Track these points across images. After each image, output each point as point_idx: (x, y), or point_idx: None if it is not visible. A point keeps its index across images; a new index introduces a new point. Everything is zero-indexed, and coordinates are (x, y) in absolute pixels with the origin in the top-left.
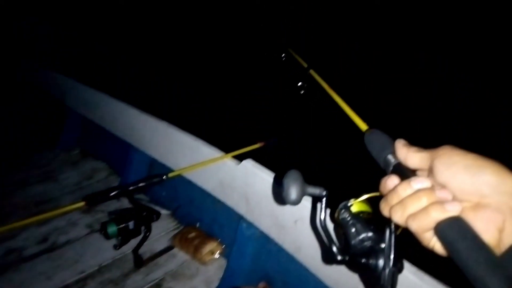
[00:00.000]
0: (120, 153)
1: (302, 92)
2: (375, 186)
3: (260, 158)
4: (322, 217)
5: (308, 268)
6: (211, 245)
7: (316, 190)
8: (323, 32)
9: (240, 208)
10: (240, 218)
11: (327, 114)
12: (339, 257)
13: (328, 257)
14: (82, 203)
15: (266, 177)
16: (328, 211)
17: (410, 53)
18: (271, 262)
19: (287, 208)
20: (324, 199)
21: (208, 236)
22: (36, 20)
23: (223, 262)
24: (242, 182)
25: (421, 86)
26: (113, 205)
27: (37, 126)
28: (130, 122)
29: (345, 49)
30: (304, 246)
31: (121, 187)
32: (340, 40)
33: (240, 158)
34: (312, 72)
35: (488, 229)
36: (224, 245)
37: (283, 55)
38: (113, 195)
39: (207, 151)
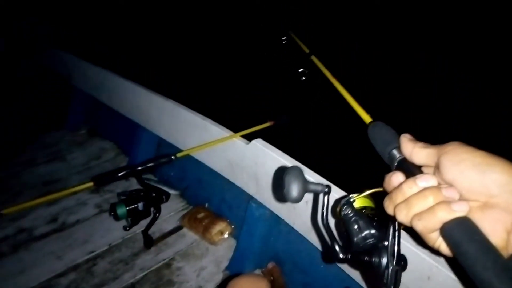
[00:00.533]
0: (128, 132)
1: (303, 78)
2: (379, 181)
3: (270, 137)
4: (324, 214)
5: (319, 249)
6: (220, 225)
7: (318, 187)
8: (325, 21)
9: (250, 188)
10: (249, 198)
11: (329, 103)
12: (341, 255)
13: (329, 255)
14: (90, 184)
15: (276, 156)
16: (330, 207)
17: (413, 49)
18: (281, 242)
19: None
20: (326, 196)
21: (217, 216)
22: (36, 20)
23: (233, 242)
24: (252, 162)
25: (424, 81)
26: (122, 185)
27: (44, 106)
28: (137, 101)
29: (349, 40)
30: (314, 227)
31: (130, 167)
32: (344, 32)
33: (249, 137)
34: (314, 58)
35: (496, 230)
36: (233, 226)
37: (284, 38)
38: (122, 175)
39: (216, 131)
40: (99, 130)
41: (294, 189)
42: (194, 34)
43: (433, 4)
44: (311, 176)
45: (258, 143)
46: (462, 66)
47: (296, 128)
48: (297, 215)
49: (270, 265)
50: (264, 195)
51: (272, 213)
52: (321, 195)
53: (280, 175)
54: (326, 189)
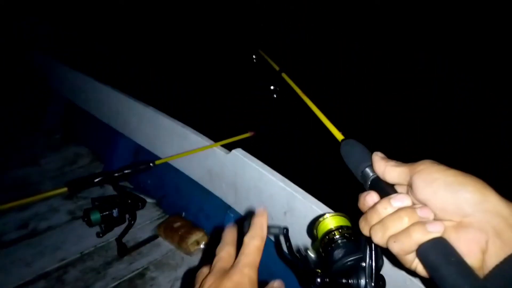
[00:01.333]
0: (105, 138)
1: (275, 95)
2: (354, 198)
3: (250, 147)
4: (289, 251)
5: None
6: (196, 235)
7: (276, 229)
8: (306, 32)
9: (228, 198)
10: (227, 208)
11: (302, 120)
12: (318, 280)
13: (305, 281)
14: (64, 189)
15: (256, 167)
16: (293, 243)
17: (398, 54)
18: None
19: (277, 199)
20: (285, 236)
21: (194, 226)
22: (36, 20)
23: None
24: (232, 172)
25: (397, 95)
26: (96, 192)
27: (19, 108)
28: (115, 107)
29: (323, 50)
30: (293, 237)
31: (106, 173)
32: (321, 41)
33: (229, 147)
34: (284, 75)
35: (471, 251)
36: (209, 235)
37: (254, 56)
38: (97, 181)
39: (196, 139)
40: (75, 134)
41: None
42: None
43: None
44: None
45: (239, 152)
46: (453, 67)
47: (270, 143)
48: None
49: None
50: (243, 205)
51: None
52: (281, 237)
53: (258, 192)
54: (284, 230)
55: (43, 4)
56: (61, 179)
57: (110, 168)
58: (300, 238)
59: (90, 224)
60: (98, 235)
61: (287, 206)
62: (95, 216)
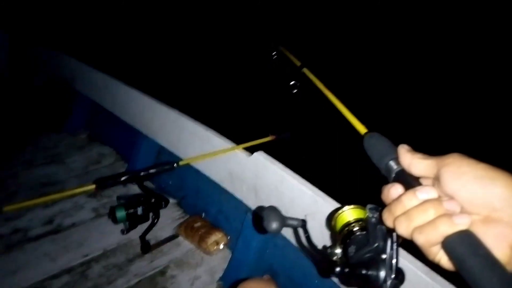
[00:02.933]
0: (128, 139)
1: (294, 91)
2: (377, 192)
3: (272, 151)
4: (308, 243)
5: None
6: (216, 236)
7: (295, 222)
8: (318, 29)
9: (249, 200)
10: (247, 210)
11: (323, 115)
12: (337, 269)
13: (325, 269)
14: (92, 186)
15: (277, 170)
16: (311, 236)
17: (410, 53)
18: (277, 256)
19: (298, 202)
20: (304, 228)
21: (213, 226)
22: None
23: (228, 253)
24: (252, 174)
25: (421, 88)
26: (119, 191)
27: (46, 109)
28: (140, 108)
29: (341, 47)
30: (314, 240)
31: (132, 172)
32: (336, 38)
33: (251, 150)
34: (306, 70)
35: (499, 245)
36: (229, 237)
37: (274, 53)
38: (124, 179)
39: (218, 142)
40: (99, 135)
41: (273, 222)
42: (188, 50)
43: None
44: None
45: (260, 155)
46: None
47: (294, 141)
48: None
49: (266, 277)
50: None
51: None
52: (299, 229)
53: (279, 195)
54: (302, 223)
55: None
56: (86, 178)
57: (133, 168)
58: (322, 241)
59: (115, 221)
60: (122, 232)
61: (308, 209)
62: (121, 214)
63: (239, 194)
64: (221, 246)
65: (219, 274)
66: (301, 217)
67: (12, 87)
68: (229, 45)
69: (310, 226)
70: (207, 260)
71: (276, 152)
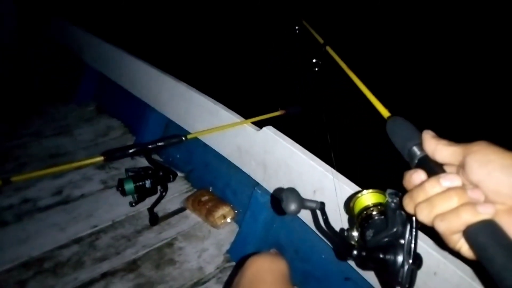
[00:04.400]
0: (136, 112)
1: (316, 69)
2: (397, 178)
3: (281, 125)
4: (325, 225)
5: (323, 239)
6: (223, 209)
7: (313, 204)
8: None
9: (257, 175)
10: (255, 185)
11: (344, 95)
12: (355, 252)
13: (342, 252)
14: (100, 158)
15: (286, 145)
16: (329, 218)
17: (440, 42)
18: (284, 230)
19: (307, 177)
20: (321, 210)
21: (221, 200)
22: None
23: (235, 227)
24: (261, 149)
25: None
26: (127, 163)
27: (54, 79)
28: (148, 81)
29: (368, 31)
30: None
31: (140, 144)
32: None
33: (260, 124)
34: (328, 48)
35: None
36: (236, 211)
37: (296, 27)
38: (132, 152)
39: (227, 116)
40: (107, 107)
41: (291, 204)
42: (207, 20)
43: None
44: (318, 164)
45: (269, 130)
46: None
47: (308, 118)
48: None
49: (273, 251)
50: (271, 182)
51: (278, 200)
52: (318, 211)
53: (287, 170)
54: (320, 205)
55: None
56: (94, 149)
57: (141, 140)
58: (330, 217)
59: (124, 193)
60: (131, 204)
61: (317, 184)
62: (129, 186)
63: (247, 169)
64: (228, 220)
65: (226, 247)
66: (310, 192)
67: (21, 57)
68: (250, 15)
69: (318, 200)
70: (214, 233)
71: (286, 127)
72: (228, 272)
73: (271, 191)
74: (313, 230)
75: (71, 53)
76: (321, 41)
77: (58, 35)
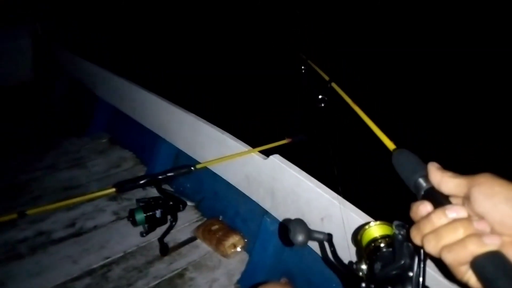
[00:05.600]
0: (147, 143)
1: (322, 105)
2: (403, 207)
3: (288, 154)
4: (333, 257)
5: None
6: (233, 238)
7: (321, 235)
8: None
9: (265, 203)
10: (264, 213)
11: (350, 129)
12: (363, 285)
13: (350, 286)
14: (112, 189)
15: (293, 173)
16: (337, 250)
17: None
18: (294, 259)
19: (314, 205)
20: (329, 242)
21: (231, 229)
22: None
23: (245, 256)
24: (269, 177)
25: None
26: (139, 194)
27: (68, 113)
28: (158, 112)
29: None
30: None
31: (150, 175)
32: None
33: (267, 153)
34: (334, 85)
35: None
36: (246, 239)
37: (303, 67)
38: (143, 183)
39: (234, 145)
40: (119, 139)
41: (299, 235)
42: (217, 56)
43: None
44: (326, 192)
45: (276, 158)
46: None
47: (314, 147)
48: None
49: (283, 280)
50: (279, 210)
51: (287, 228)
52: (325, 243)
53: (295, 197)
54: (327, 237)
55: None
56: (107, 181)
57: (152, 171)
58: (337, 245)
59: (135, 223)
60: (141, 234)
61: (325, 212)
62: (140, 216)
63: (255, 197)
64: (239, 249)
65: (237, 276)
66: (318, 219)
67: (35, 91)
68: (259, 53)
69: (326, 228)
70: (225, 263)
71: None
72: None
73: (279, 218)
74: (323, 259)
75: (84, 87)
76: (327, 78)
77: (71, 69)
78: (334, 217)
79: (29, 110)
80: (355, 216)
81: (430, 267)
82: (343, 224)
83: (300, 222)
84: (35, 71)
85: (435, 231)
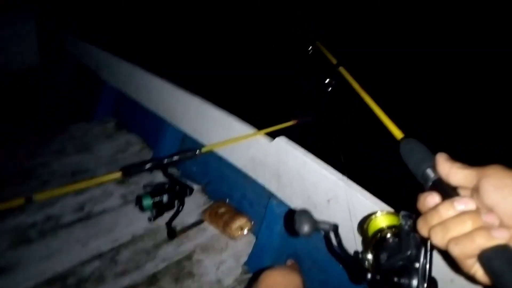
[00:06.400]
0: (154, 127)
1: (329, 89)
2: (410, 199)
3: (293, 135)
4: (339, 248)
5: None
6: (240, 221)
7: (326, 225)
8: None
9: (271, 185)
10: (270, 195)
11: (357, 116)
12: (369, 276)
13: (356, 276)
14: (119, 174)
15: (299, 155)
16: (343, 240)
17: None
18: (301, 240)
19: (321, 186)
20: (335, 232)
21: (237, 212)
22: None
23: (252, 238)
24: (275, 159)
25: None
26: (147, 178)
27: (74, 98)
28: (164, 96)
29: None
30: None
31: (157, 159)
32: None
33: (273, 135)
34: (342, 69)
35: None
36: (253, 222)
37: (310, 48)
38: (149, 167)
39: (240, 128)
40: (126, 123)
41: (304, 226)
42: (223, 36)
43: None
44: (332, 174)
45: (282, 141)
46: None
47: (320, 128)
48: (318, 213)
49: (289, 262)
50: (285, 192)
51: (292, 210)
52: (331, 233)
53: (301, 179)
54: (333, 227)
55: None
56: (114, 165)
57: (159, 155)
58: (344, 227)
59: (142, 209)
60: (149, 219)
61: (331, 194)
62: (147, 202)
63: (261, 179)
64: (245, 231)
65: (244, 258)
66: (324, 201)
67: (42, 77)
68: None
69: (332, 210)
70: (232, 245)
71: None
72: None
73: (285, 201)
74: (328, 249)
75: (90, 71)
76: (334, 61)
77: (77, 54)
78: (340, 198)
79: (36, 95)
80: (361, 197)
81: (437, 258)
82: (347, 205)
83: (305, 213)
84: (40, 56)
85: (443, 223)
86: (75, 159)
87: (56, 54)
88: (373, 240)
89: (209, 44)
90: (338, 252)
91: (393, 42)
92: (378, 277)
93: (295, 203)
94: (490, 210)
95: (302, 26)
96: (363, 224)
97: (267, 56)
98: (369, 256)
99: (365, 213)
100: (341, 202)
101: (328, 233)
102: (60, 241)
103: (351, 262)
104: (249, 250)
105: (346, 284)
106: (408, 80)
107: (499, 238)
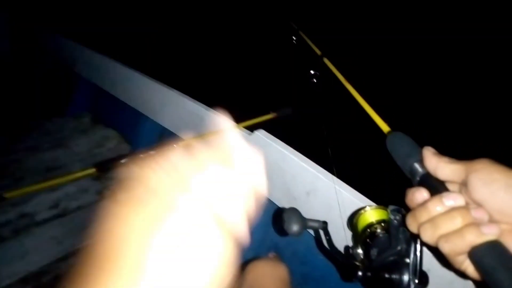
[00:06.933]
0: (131, 121)
1: (314, 80)
2: (398, 193)
3: (273, 129)
4: (329, 245)
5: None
6: None
7: (316, 223)
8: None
9: None
10: None
11: (344, 109)
12: (360, 273)
13: (346, 274)
14: (93, 170)
15: (278, 148)
16: (333, 237)
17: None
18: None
19: (300, 180)
20: (324, 230)
21: None
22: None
23: None
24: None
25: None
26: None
27: (49, 93)
28: (141, 90)
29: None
30: (316, 218)
31: (132, 154)
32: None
33: (251, 128)
34: (326, 60)
35: None
36: None
37: (294, 37)
38: (123, 162)
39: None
40: (102, 118)
41: (294, 225)
42: (200, 25)
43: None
44: (314, 168)
45: (261, 133)
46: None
47: (301, 122)
48: (298, 206)
49: (271, 255)
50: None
51: (272, 203)
52: (320, 231)
53: (281, 172)
54: (323, 224)
55: None
56: (90, 161)
57: (136, 149)
58: (322, 218)
59: None
60: None
61: (310, 186)
62: None
63: None
64: None
65: None
66: (303, 194)
67: (15, 72)
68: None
69: (311, 202)
70: None
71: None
72: None
73: (265, 194)
74: (308, 231)
75: (64, 65)
76: (319, 52)
77: (51, 47)
78: (319, 191)
79: (8, 90)
80: (340, 190)
81: (427, 253)
82: (328, 198)
83: (294, 211)
84: (13, 50)
85: (432, 220)
86: (50, 155)
87: (30, 48)
88: (363, 235)
89: (184, 33)
90: (328, 250)
91: (381, 29)
92: (369, 274)
93: (275, 196)
94: (479, 205)
95: (284, 14)
96: (352, 219)
97: (246, 45)
98: (359, 251)
99: (346, 207)
100: (320, 195)
101: (318, 231)
102: (34, 239)
103: (342, 260)
104: None
105: (327, 275)
106: (395, 71)
107: (489, 234)
